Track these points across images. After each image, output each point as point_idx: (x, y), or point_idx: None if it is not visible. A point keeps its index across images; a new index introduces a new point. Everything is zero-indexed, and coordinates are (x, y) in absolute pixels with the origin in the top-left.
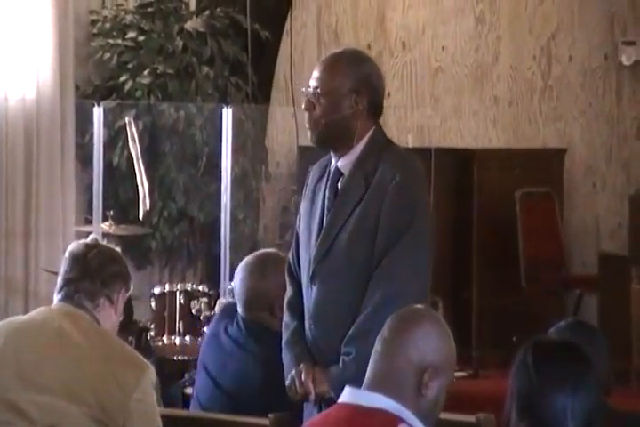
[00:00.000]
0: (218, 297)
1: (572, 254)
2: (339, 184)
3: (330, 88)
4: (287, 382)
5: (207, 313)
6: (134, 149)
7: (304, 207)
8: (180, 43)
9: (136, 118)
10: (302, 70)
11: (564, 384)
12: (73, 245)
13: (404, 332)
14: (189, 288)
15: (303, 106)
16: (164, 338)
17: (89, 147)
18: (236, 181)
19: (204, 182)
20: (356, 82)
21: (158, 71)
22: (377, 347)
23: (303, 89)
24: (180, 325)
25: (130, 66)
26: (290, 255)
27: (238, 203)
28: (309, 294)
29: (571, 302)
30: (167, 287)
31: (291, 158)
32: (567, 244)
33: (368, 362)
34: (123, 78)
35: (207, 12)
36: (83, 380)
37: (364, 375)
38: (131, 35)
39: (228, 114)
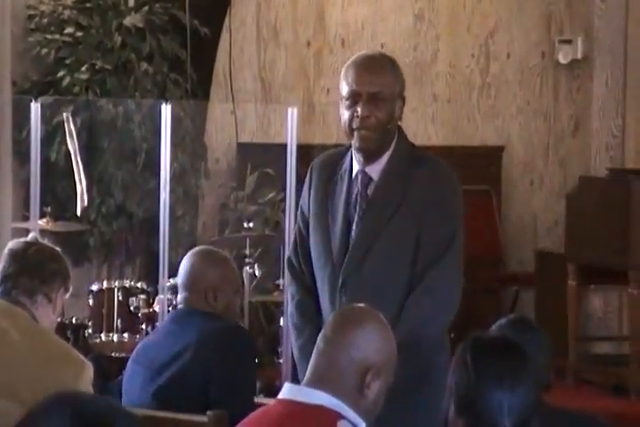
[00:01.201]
0: (156, 294)
1: (510, 252)
2: (368, 190)
3: (391, 92)
4: None
5: (145, 310)
6: (72, 144)
7: (316, 208)
8: (118, 39)
9: (74, 114)
10: (241, 67)
11: (501, 381)
12: (12, 243)
13: (348, 331)
14: (127, 285)
15: (364, 111)
16: (102, 335)
17: (26, 143)
18: (175, 178)
19: (143, 179)
20: (401, 87)
21: (96, 67)
22: (319, 344)
23: (346, 92)
24: (118, 322)
25: (68, 61)
26: (292, 255)
27: (177, 199)
28: (336, 304)
29: (508, 298)
30: (105, 284)
31: (230, 155)
32: (505, 241)
33: (411, 371)
34: (60, 74)
35: (146, 8)
36: (20, 378)
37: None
38: (69, 30)
39: (166, 110)
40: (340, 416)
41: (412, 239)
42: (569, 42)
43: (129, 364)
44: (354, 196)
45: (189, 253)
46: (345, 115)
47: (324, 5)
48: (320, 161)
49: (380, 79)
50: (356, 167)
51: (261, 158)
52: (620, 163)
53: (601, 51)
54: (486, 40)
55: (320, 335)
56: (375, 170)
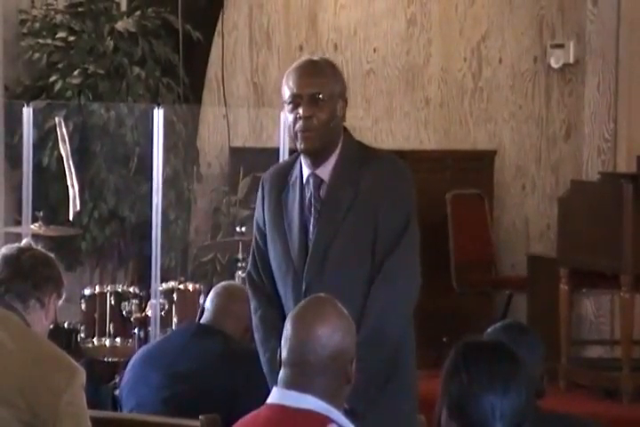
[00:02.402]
0: (149, 298)
1: (502, 256)
2: (320, 191)
3: (331, 92)
4: None
5: (138, 314)
6: (64, 149)
7: (271, 219)
8: (110, 43)
9: (66, 119)
10: (234, 71)
11: (493, 384)
12: (6, 248)
13: (309, 334)
14: (120, 289)
15: (305, 112)
16: (95, 340)
17: (18, 147)
18: (168, 182)
19: (135, 183)
20: (342, 88)
21: (89, 71)
22: (289, 350)
23: (287, 96)
24: (111, 326)
25: (60, 66)
26: (251, 270)
27: (170, 204)
28: None
29: (500, 302)
30: (97, 288)
31: (222, 159)
32: (497, 245)
33: (376, 370)
34: (53, 78)
35: (138, 13)
36: (12, 383)
37: (372, 383)
38: (61, 35)
39: (159, 114)
40: (328, 420)
41: (370, 235)
42: (561, 46)
43: (132, 368)
44: (307, 199)
45: (218, 289)
46: (289, 118)
47: (316, 10)
48: (269, 174)
49: (318, 80)
50: (306, 172)
51: (254, 162)
52: (612, 167)
53: (593, 55)
54: (478, 44)
55: (284, 343)
56: (325, 171)
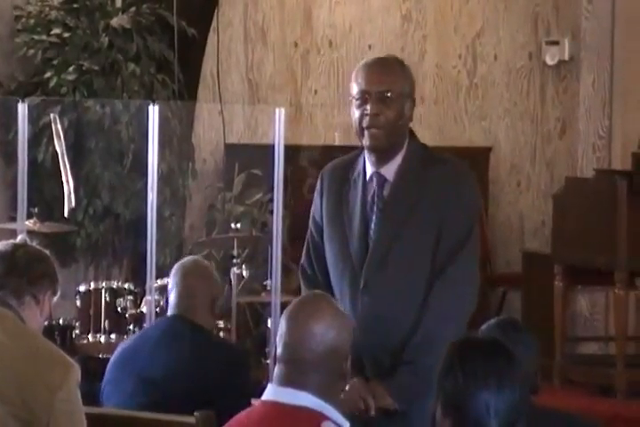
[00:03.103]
0: (143, 295)
1: (497, 252)
2: (384, 190)
3: (400, 91)
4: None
5: (133, 311)
6: (59, 145)
7: (330, 214)
8: (105, 39)
9: (61, 115)
10: (229, 67)
11: (488, 382)
12: (0, 245)
13: (302, 332)
14: (115, 286)
15: (373, 109)
16: (90, 336)
17: (13, 143)
18: (163, 179)
19: (130, 180)
20: (411, 88)
21: (84, 68)
22: (284, 346)
23: (356, 91)
24: (106, 323)
25: (55, 62)
26: (305, 263)
27: (164, 200)
28: (357, 304)
29: (495, 299)
30: (92, 285)
31: (217, 156)
32: (492, 242)
33: (430, 371)
34: (48, 75)
35: (133, 9)
36: (8, 379)
37: (426, 384)
38: (56, 31)
39: (154, 111)
40: (323, 417)
41: (432, 238)
42: (556, 43)
43: (111, 368)
44: (369, 197)
45: (180, 274)
46: (355, 114)
47: (311, 6)
48: (330, 168)
49: (388, 79)
50: (369, 170)
51: (249, 159)
52: (606, 164)
53: (588, 52)
54: (473, 41)
55: (279, 339)
56: (389, 170)
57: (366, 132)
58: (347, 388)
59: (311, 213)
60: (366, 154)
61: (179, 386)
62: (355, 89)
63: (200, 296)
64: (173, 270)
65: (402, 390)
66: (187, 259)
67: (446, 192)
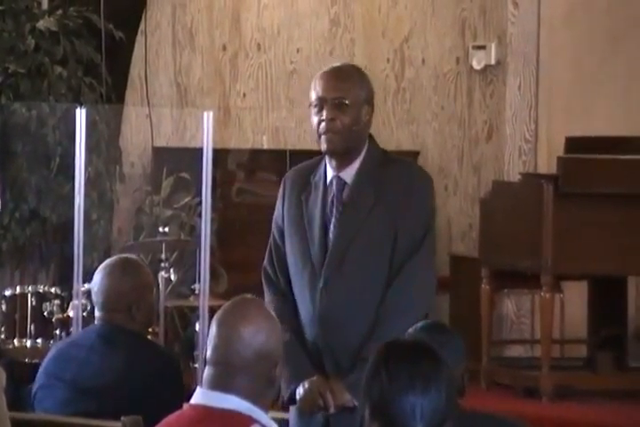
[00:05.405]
0: (70, 299)
1: None
2: (343, 194)
3: (355, 98)
4: (300, 395)
5: (59, 315)
6: None
7: (291, 216)
8: (31, 42)
9: None
10: (157, 71)
11: (413, 384)
12: None
13: (235, 331)
14: (41, 290)
15: (329, 115)
16: (15, 341)
17: None
18: (90, 182)
19: (57, 183)
20: (368, 94)
21: (9, 71)
22: (215, 344)
23: (313, 98)
24: (32, 327)
25: None
26: (267, 265)
27: (92, 204)
28: (316, 305)
29: None
30: (18, 289)
31: (145, 159)
32: None
33: None
34: None
35: (60, 12)
36: None
37: None
38: None
39: (81, 114)
40: (252, 421)
41: (389, 238)
42: (483, 47)
43: (43, 374)
44: (329, 200)
45: (102, 271)
46: (314, 120)
47: (239, 9)
48: (293, 173)
49: (344, 85)
50: (330, 174)
51: (177, 163)
52: (532, 168)
53: (514, 56)
54: (401, 45)
55: (209, 342)
56: (349, 174)
57: (323, 137)
58: (306, 386)
59: (273, 217)
60: (327, 158)
61: (112, 395)
62: (313, 96)
63: (126, 298)
64: (99, 270)
65: (360, 387)
66: (114, 258)
67: (402, 192)
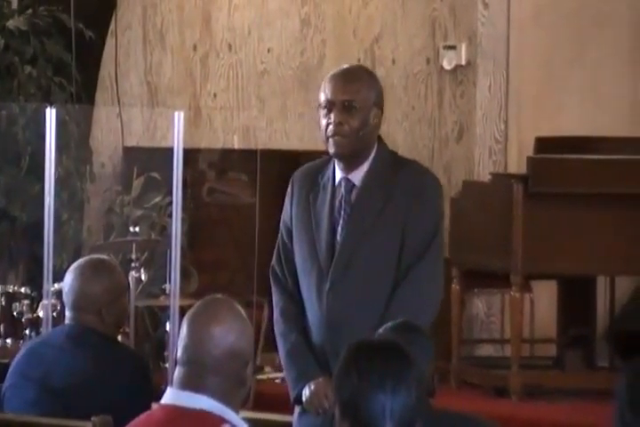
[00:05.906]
0: (40, 299)
1: None
2: (352, 195)
3: (364, 100)
4: (306, 397)
5: (29, 315)
6: None
7: (298, 217)
8: (1, 41)
9: None
10: (127, 70)
11: (383, 384)
12: None
13: (205, 331)
14: (11, 290)
15: (337, 118)
16: None
17: None
18: (60, 182)
19: (27, 183)
20: (377, 96)
21: None
22: (186, 343)
23: (322, 101)
24: (1, 327)
25: None
26: (275, 264)
27: (62, 204)
28: (323, 306)
29: None
30: None
31: (115, 159)
32: None
33: None
34: None
35: (30, 11)
36: None
37: None
38: None
39: (51, 114)
40: (222, 421)
41: (397, 241)
42: (453, 48)
43: (12, 373)
44: (337, 202)
45: (74, 271)
46: (322, 123)
47: (210, 9)
48: (300, 173)
49: (352, 88)
50: (338, 175)
51: (147, 162)
52: (502, 168)
53: (484, 57)
54: (372, 45)
55: (180, 341)
56: (357, 176)
57: (330, 140)
58: (312, 387)
59: (281, 217)
60: (336, 161)
61: (81, 396)
62: (321, 98)
63: (97, 300)
64: (71, 270)
65: None
66: (87, 258)
67: (410, 196)
